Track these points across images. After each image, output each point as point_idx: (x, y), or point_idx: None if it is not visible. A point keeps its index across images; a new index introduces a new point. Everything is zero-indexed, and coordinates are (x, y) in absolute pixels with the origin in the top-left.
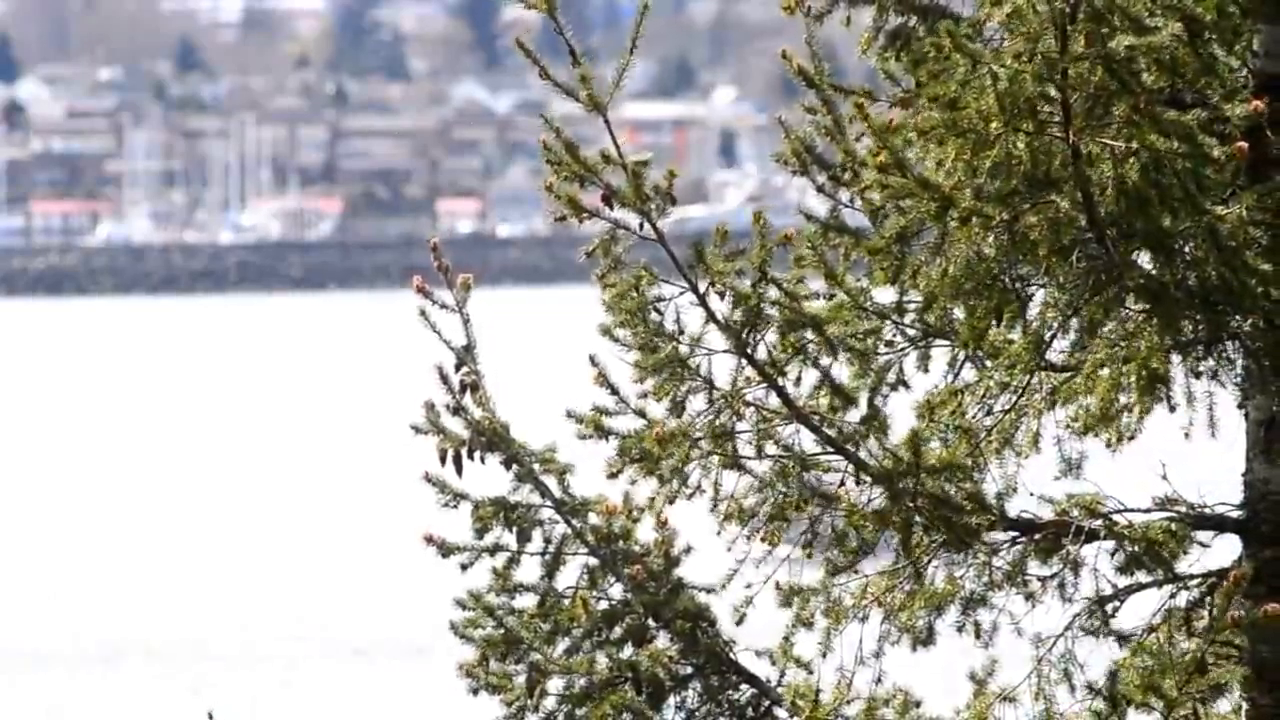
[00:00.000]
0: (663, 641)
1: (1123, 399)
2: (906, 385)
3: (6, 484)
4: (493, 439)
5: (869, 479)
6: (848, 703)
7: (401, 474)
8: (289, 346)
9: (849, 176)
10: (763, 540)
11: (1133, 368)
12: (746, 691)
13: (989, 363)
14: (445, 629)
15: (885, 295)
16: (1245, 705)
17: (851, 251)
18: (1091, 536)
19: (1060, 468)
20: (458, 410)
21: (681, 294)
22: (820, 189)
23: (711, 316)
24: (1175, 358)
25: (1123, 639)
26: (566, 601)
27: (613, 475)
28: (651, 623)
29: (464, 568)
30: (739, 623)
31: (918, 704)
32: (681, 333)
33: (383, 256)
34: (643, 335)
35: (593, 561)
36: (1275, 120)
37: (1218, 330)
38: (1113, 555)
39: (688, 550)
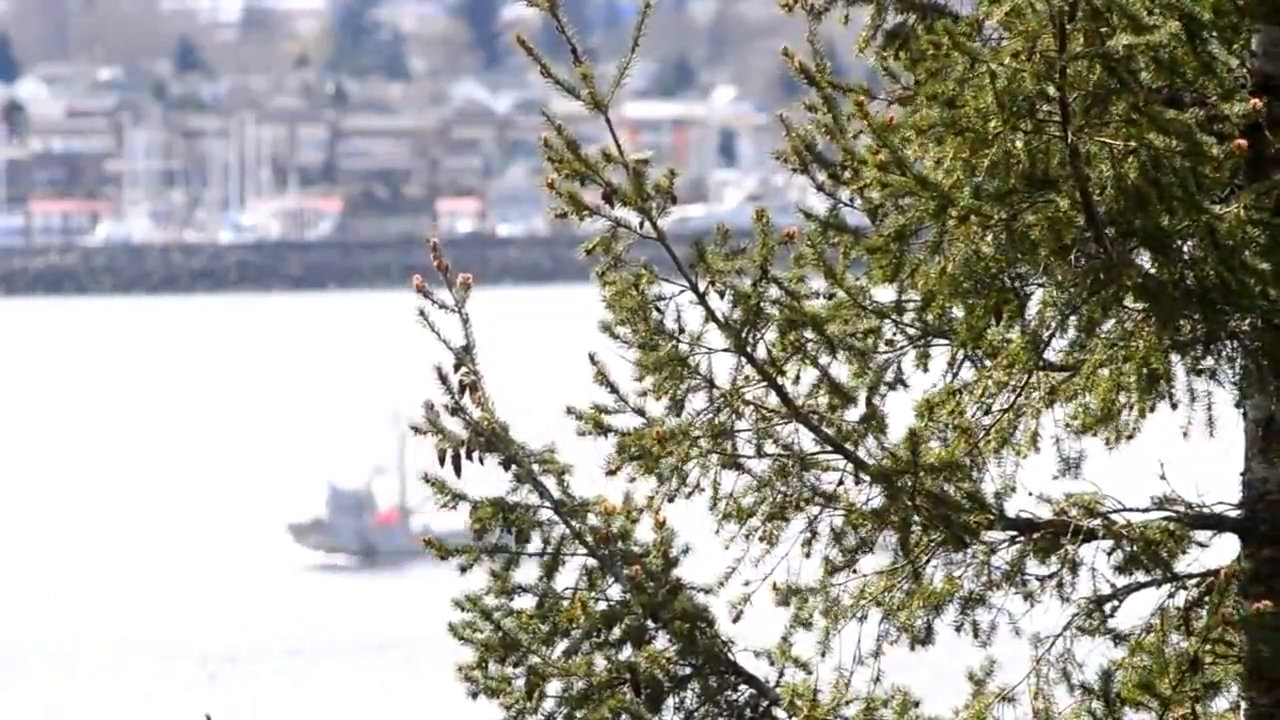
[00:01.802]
0: (661, 642)
1: (1122, 398)
2: (905, 384)
3: (6, 484)
4: (492, 439)
5: (868, 478)
6: (846, 703)
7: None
8: (289, 346)
9: (849, 175)
10: (761, 539)
11: (1132, 367)
12: (745, 692)
13: (988, 362)
14: (444, 630)
15: (884, 294)
16: (1244, 704)
17: (851, 250)
18: (1090, 536)
19: (1059, 467)
20: (456, 410)
21: (681, 293)
22: (820, 187)
23: (711, 315)
24: (1174, 357)
25: (1121, 638)
26: (565, 603)
27: (611, 473)
28: (650, 623)
29: (463, 569)
30: (736, 620)
31: (916, 704)
32: (681, 331)
33: (383, 256)
34: (643, 333)
35: (591, 562)
36: (1273, 120)
37: (1216, 329)
38: (1111, 555)
39: (686, 550)
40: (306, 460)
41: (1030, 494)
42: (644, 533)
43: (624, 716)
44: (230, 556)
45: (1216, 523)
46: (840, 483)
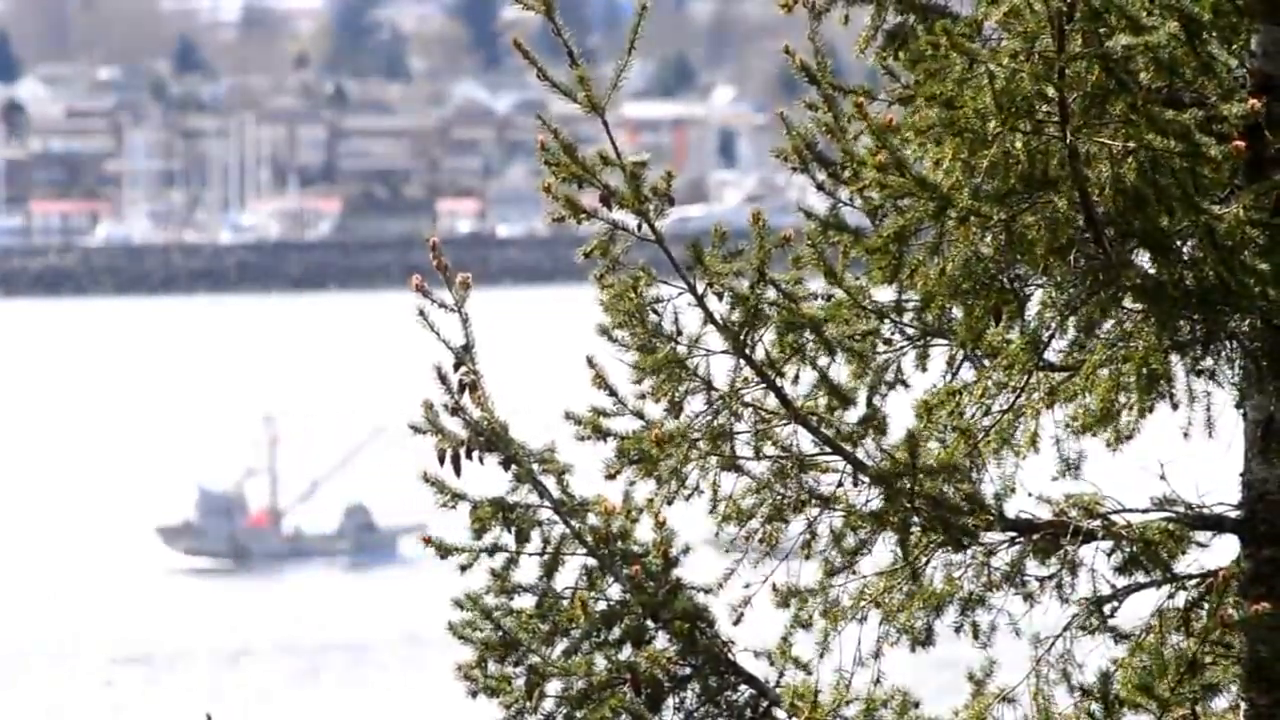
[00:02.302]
0: (661, 642)
1: (1122, 399)
2: (905, 385)
3: (6, 484)
4: (491, 439)
5: (867, 479)
6: (846, 703)
7: (401, 474)
8: (288, 346)
9: (848, 175)
10: (761, 541)
11: (1132, 367)
12: (745, 692)
13: (987, 362)
14: (445, 630)
15: (884, 294)
16: (1243, 705)
17: (850, 250)
18: (1089, 537)
19: (1058, 468)
20: (456, 410)
21: (680, 294)
22: (820, 186)
23: (710, 317)
24: (1174, 357)
25: (1121, 639)
26: (565, 602)
27: (611, 476)
28: (650, 623)
29: (463, 569)
30: (737, 623)
31: (916, 704)
32: (680, 333)
33: (382, 256)
34: (641, 336)
35: (591, 562)
36: (1272, 120)
37: (1215, 330)
38: (1111, 555)
39: (686, 550)
40: (175, 462)
41: (1030, 495)
42: (644, 532)
43: (624, 716)
44: (98, 560)
45: (1216, 523)
46: (839, 484)
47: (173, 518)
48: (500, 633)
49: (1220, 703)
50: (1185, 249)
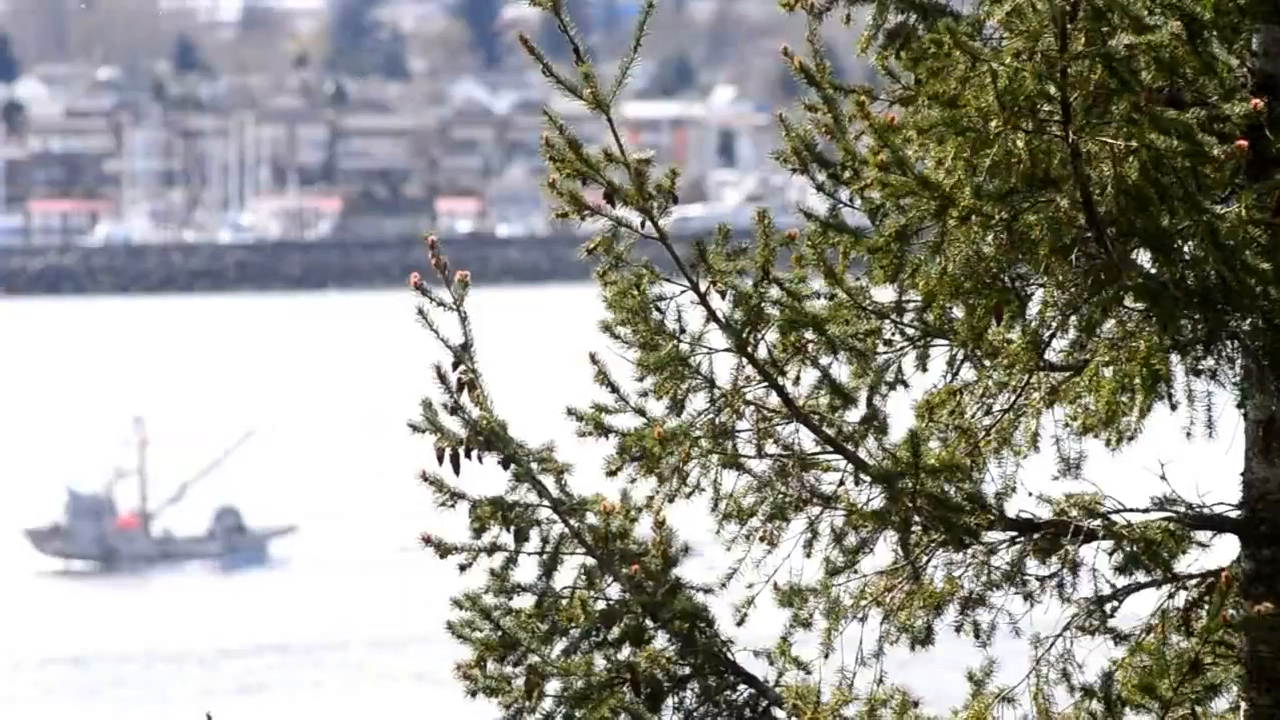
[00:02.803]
0: (661, 642)
1: (1124, 399)
2: (906, 384)
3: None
4: (490, 438)
5: (868, 479)
6: (847, 703)
7: (400, 474)
8: (288, 346)
9: (849, 175)
10: (762, 540)
11: (1133, 367)
12: (745, 692)
13: (988, 362)
14: (444, 629)
15: (885, 294)
16: (1244, 705)
17: (851, 250)
18: (1090, 536)
19: (1059, 467)
20: (455, 409)
21: (682, 293)
22: (820, 187)
23: (712, 315)
24: (1174, 357)
25: (1121, 639)
26: (564, 602)
27: (612, 473)
28: (649, 623)
29: (462, 568)
30: (740, 623)
31: (916, 704)
32: (682, 331)
33: (382, 256)
34: (643, 333)
35: (590, 561)
36: (1274, 119)
37: (1217, 329)
38: (1111, 555)
39: (686, 550)
40: (44, 464)
41: (1030, 494)
42: (643, 531)
43: (623, 716)
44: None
45: (1217, 523)
46: (841, 483)
47: (41, 519)
48: (499, 632)
49: (1221, 703)
50: (1187, 249)
